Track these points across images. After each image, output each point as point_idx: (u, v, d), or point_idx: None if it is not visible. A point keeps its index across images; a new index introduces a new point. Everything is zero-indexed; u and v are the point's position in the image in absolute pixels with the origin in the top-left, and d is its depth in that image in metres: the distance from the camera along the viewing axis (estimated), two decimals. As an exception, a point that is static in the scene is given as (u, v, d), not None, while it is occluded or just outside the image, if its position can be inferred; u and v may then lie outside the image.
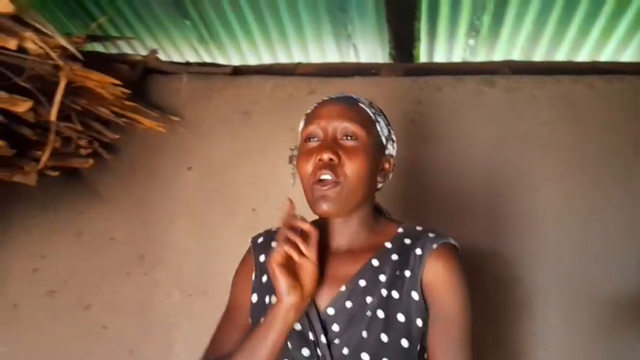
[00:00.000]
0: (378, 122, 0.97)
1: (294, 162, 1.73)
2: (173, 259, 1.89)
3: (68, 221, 1.96)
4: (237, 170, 1.88)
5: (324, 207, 0.88)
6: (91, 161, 1.79)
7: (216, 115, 1.92)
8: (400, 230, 0.96)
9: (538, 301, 1.68)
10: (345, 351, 0.84)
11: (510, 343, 1.69)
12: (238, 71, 1.93)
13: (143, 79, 1.93)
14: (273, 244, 0.99)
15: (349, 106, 0.95)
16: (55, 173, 1.66)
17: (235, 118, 1.91)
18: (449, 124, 1.80)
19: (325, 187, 0.88)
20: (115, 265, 1.92)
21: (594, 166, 1.72)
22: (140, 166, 1.94)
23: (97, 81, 1.57)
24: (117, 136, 1.81)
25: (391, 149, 1.00)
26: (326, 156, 0.88)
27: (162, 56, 1.94)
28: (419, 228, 0.95)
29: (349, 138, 0.91)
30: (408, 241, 0.93)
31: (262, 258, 1.01)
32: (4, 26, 1.22)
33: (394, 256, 0.91)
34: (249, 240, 1.08)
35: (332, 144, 0.90)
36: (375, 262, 0.91)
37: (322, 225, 0.95)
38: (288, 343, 0.87)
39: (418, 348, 0.86)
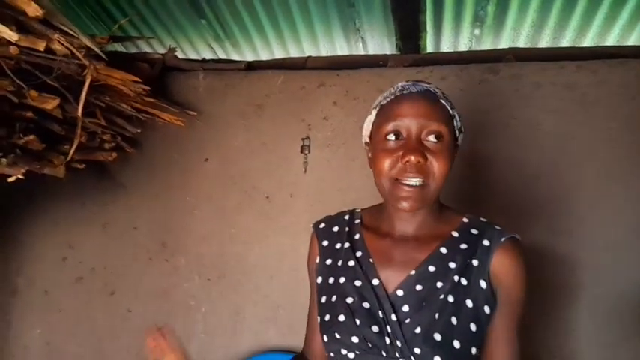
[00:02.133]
0: (454, 117, 0.96)
1: (306, 152, 1.81)
2: (192, 246, 1.99)
3: (94, 212, 2.07)
4: (252, 160, 1.97)
5: (407, 206, 0.89)
6: (114, 155, 1.89)
7: (231, 109, 2.00)
8: (465, 220, 0.98)
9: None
10: (418, 330, 0.86)
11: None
12: (251, 66, 2.01)
13: (162, 77, 2.03)
14: (335, 228, 1.04)
15: (432, 103, 0.92)
16: (82, 166, 1.76)
17: (249, 111, 1.99)
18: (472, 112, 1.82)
19: (412, 190, 0.89)
20: (138, 253, 2.03)
21: (599, 153, 1.74)
22: (160, 159, 2.04)
23: (119, 79, 1.66)
24: (138, 131, 1.91)
25: (460, 140, 1.00)
26: (414, 159, 0.87)
27: (179, 54, 2.03)
28: (483, 220, 0.98)
29: (434, 138, 0.90)
30: (474, 231, 0.95)
31: (325, 243, 1.04)
32: (33, 29, 1.31)
33: (463, 245, 0.93)
34: (311, 226, 1.10)
35: (419, 146, 0.89)
36: (444, 250, 0.93)
37: (385, 210, 0.98)
38: (357, 320, 0.90)
39: (482, 332, 0.90)
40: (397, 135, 0.91)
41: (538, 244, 1.73)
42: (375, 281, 0.92)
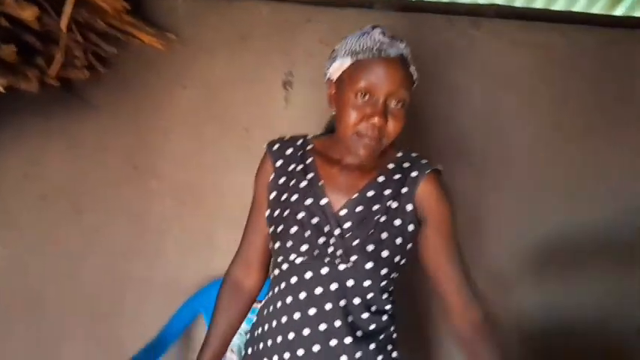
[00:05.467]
0: (415, 82, 1.09)
1: (289, 87, 1.85)
2: (166, 170, 1.99)
3: (61, 130, 2.00)
4: (232, 91, 1.96)
5: (362, 157, 1.05)
6: (87, 73, 1.81)
7: (212, 37, 1.96)
8: (399, 155, 1.16)
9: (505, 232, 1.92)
10: (355, 242, 1.05)
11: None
12: (235, -6, 1.94)
13: (140, -3, 1.92)
14: (288, 151, 1.17)
15: (404, 70, 1.03)
16: (57, 83, 1.68)
17: (232, 41, 1.95)
18: (438, 62, 1.90)
19: (366, 142, 1.02)
20: (108, 174, 2.00)
21: (567, 113, 1.90)
22: (135, 82, 1.97)
23: (100, -8, 1.58)
24: (114, 50, 1.83)
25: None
26: (378, 122, 1.00)
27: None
28: (414, 154, 1.16)
29: (398, 104, 1.03)
30: (406, 164, 1.13)
31: (279, 163, 1.17)
32: None
33: (396, 176, 1.12)
34: (265, 146, 1.22)
35: (384, 110, 1.01)
36: (381, 179, 1.11)
37: (337, 144, 1.12)
38: (306, 233, 1.07)
39: (408, 247, 1.11)
40: (369, 95, 1.01)
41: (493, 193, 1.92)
42: (323, 201, 1.09)
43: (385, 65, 1.01)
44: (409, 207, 1.09)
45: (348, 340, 1.04)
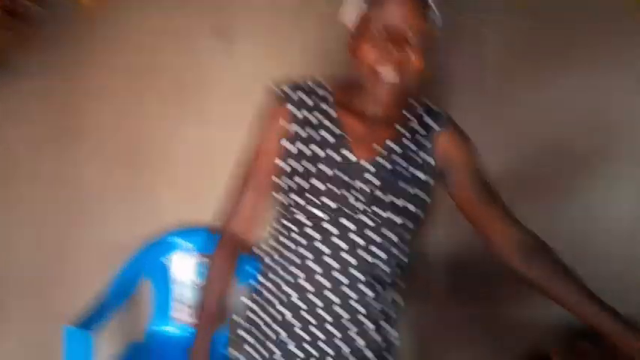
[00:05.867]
0: (434, 10, 1.02)
1: (228, 40, 1.73)
2: (100, 131, 1.93)
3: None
4: (165, 45, 1.88)
5: (383, 103, 1.03)
6: (10, 34, 1.71)
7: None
8: (414, 103, 1.14)
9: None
10: (379, 193, 1.04)
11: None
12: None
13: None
14: (309, 101, 1.11)
15: (420, 2, 0.99)
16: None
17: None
18: None
19: (389, 81, 0.99)
20: (34, 135, 1.91)
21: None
22: (64, 43, 1.86)
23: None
24: (40, 9, 1.73)
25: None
26: (397, 55, 0.97)
27: None
28: (426, 102, 1.15)
29: (418, 35, 0.98)
30: (424, 115, 1.13)
31: (301, 114, 1.09)
32: None
33: (417, 128, 1.11)
34: (282, 91, 1.11)
35: (404, 42, 0.97)
36: (404, 132, 1.10)
37: (360, 90, 1.06)
38: (334, 188, 1.03)
39: (429, 201, 1.10)
40: (385, 32, 0.98)
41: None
42: (351, 157, 1.06)
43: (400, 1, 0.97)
44: (432, 161, 1.10)
45: (370, 293, 1.06)
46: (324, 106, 1.11)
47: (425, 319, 1.92)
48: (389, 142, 1.09)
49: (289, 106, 1.10)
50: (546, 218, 1.55)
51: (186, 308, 1.92)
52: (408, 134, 1.10)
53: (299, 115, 1.10)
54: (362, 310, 1.06)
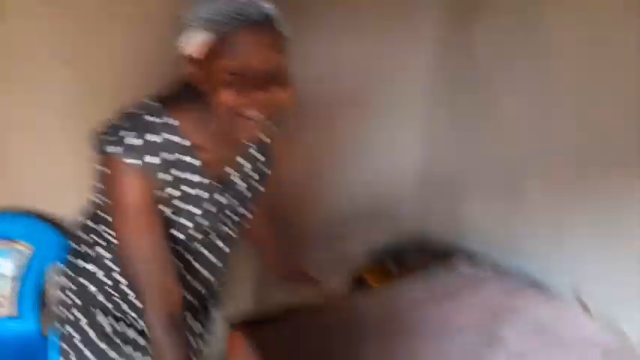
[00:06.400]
0: (288, 40, 0.95)
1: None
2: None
3: None
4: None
5: (244, 139, 1.01)
6: None
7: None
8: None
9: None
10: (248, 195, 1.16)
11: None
12: None
13: None
14: (164, 154, 0.95)
15: (275, 35, 0.91)
16: None
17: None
18: None
19: (252, 123, 0.93)
20: None
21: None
22: None
23: None
24: None
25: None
26: (263, 98, 0.90)
27: None
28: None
29: (281, 70, 0.91)
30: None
31: (157, 161, 0.95)
32: None
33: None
34: (139, 164, 0.93)
35: (269, 83, 0.90)
36: (251, 149, 1.16)
37: (205, 112, 0.96)
38: (206, 194, 1.05)
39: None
40: (240, 73, 0.88)
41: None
42: (206, 180, 1.03)
43: (251, 34, 0.87)
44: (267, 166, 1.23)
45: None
46: (170, 142, 0.96)
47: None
48: (241, 157, 1.12)
49: (148, 172, 0.94)
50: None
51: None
52: (254, 145, 1.15)
53: (156, 162, 0.94)
54: None
